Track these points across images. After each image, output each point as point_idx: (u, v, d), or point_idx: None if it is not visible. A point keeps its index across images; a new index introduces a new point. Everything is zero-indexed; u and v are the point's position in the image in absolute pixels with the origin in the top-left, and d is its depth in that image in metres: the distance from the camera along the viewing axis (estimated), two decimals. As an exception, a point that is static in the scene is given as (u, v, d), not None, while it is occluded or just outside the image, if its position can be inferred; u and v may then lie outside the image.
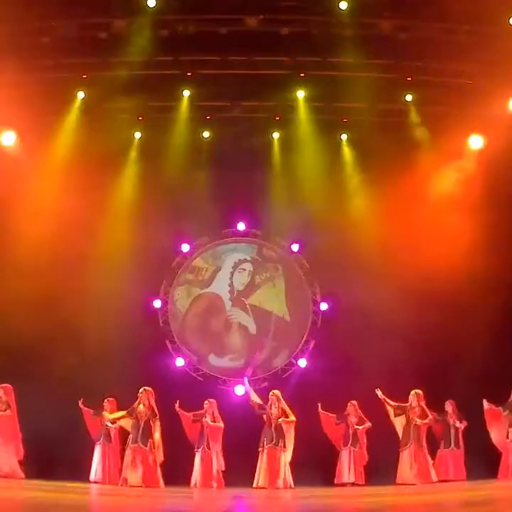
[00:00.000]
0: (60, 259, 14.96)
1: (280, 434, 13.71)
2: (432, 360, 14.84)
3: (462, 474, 13.91)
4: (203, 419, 13.90)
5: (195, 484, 13.76)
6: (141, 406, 13.23)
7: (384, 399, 13.98)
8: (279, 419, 13.73)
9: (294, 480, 13.57)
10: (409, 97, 15.16)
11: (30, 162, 14.89)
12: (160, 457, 13.28)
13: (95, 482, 13.71)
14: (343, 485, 14.10)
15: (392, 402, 13.97)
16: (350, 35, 13.70)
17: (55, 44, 13.71)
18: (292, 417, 13.81)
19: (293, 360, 16.38)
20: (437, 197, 15.55)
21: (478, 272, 14.53)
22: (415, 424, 13.71)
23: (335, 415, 14.42)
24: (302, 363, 16.29)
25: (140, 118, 15.87)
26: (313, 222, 15.97)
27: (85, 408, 14.06)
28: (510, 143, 14.58)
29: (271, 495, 12.31)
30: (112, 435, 14.06)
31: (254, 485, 13.54)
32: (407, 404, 13.87)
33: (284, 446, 13.73)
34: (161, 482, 13.14)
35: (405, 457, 13.71)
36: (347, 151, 16.29)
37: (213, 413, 14.00)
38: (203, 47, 14.09)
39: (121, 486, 12.95)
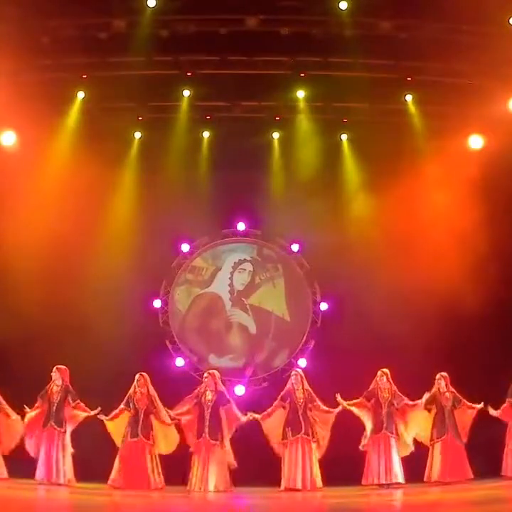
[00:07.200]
0: (59, 260, 14.97)
1: (308, 421, 12.35)
2: (432, 360, 14.82)
3: None
4: (205, 398, 12.23)
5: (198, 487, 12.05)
6: (138, 394, 12.49)
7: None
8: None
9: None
10: (409, 97, 15.18)
11: (30, 162, 14.88)
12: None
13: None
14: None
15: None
16: (350, 35, 13.71)
17: (55, 44, 13.70)
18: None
19: (293, 360, 16.37)
20: (437, 197, 15.54)
21: (479, 273, 14.52)
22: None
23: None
24: (302, 363, 16.27)
25: (140, 118, 15.88)
26: (313, 222, 15.96)
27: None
28: (510, 143, 14.58)
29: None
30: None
31: (284, 486, 12.19)
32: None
33: (314, 437, 12.32)
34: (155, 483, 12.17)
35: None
36: (347, 151, 16.30)
37: (216, 386, 12.29)
38: (202, 47, 14.10)
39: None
